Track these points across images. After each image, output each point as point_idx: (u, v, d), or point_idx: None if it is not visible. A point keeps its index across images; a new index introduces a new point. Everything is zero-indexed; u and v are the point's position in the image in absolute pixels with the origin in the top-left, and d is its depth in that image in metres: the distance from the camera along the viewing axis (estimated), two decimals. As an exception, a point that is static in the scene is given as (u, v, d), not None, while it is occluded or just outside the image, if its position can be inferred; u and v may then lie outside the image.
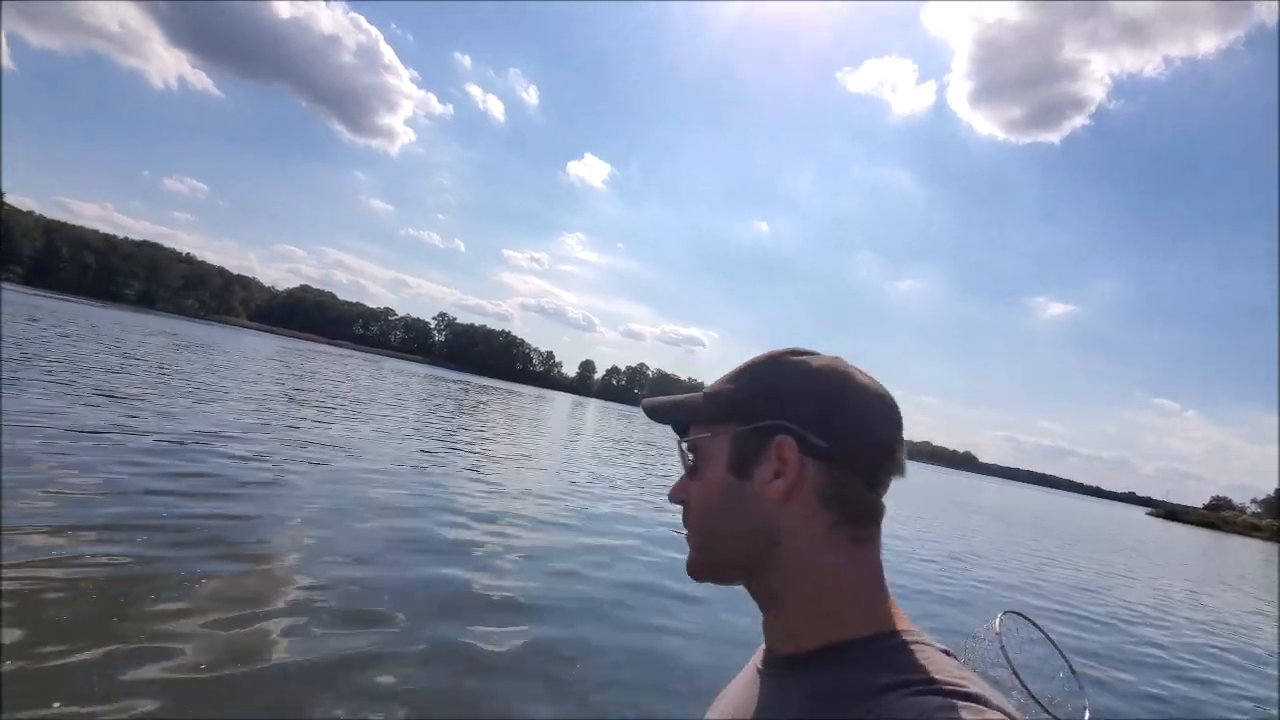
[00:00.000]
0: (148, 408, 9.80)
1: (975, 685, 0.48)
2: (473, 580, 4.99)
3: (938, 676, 0.49)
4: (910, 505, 20.51)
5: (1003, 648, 1.73)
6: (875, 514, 0.60)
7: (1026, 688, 1.70)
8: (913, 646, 0.53)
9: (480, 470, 10.52)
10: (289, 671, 3.15)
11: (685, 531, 0.66)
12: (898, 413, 0.61)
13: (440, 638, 3.84)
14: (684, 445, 0.67)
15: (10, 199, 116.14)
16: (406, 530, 6.03)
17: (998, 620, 1.78)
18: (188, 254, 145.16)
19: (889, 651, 0.53)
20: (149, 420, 8.78)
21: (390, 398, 22.74)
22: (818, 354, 0.64)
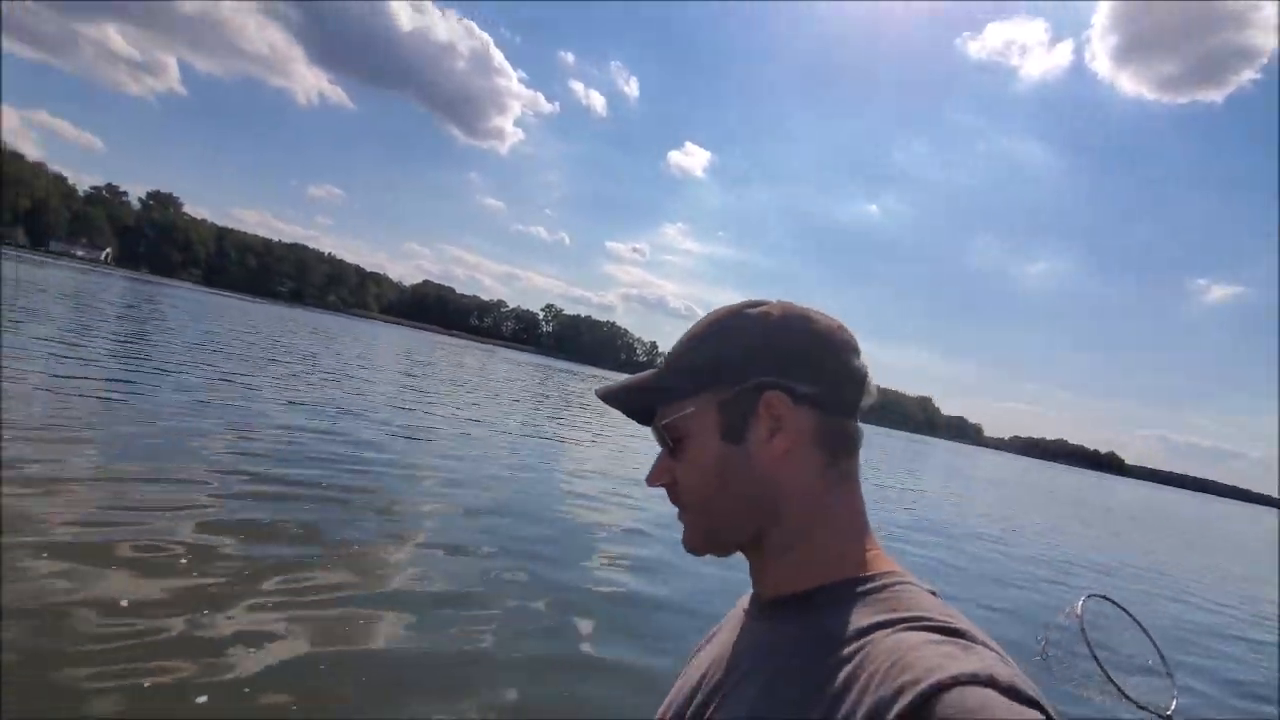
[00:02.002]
0: (338, 393, 11.24)
1: (961, 622, 0.50)
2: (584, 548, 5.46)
3: (925, 614, 0.50)
4: (1046, 510, 19.03)
5: (1083, 630, 1.82)
6: (858, 442, 0.62)
7: (1105, 670, 1.79)
8: (899, 586, 0.55)
9: (589, 454, 11.11)
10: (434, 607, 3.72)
11: (680, 513, 0.65)
12: (856, 340, 0.64)
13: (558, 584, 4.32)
14: (663, 426, 0.64)
15: (188, 209, 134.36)
16: (525, 504, 6.64)
17: (1079, 603, 1.87)
18: (329, 254, 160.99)
19: (877, 592, 0.55)
20: (331, 402, 10.13)
21: (509, 385, 24.21)
22: (769, 303, 0.64)
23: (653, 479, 0.65)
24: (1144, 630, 1.90)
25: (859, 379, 0.62)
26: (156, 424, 6.80)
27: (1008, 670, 0.43)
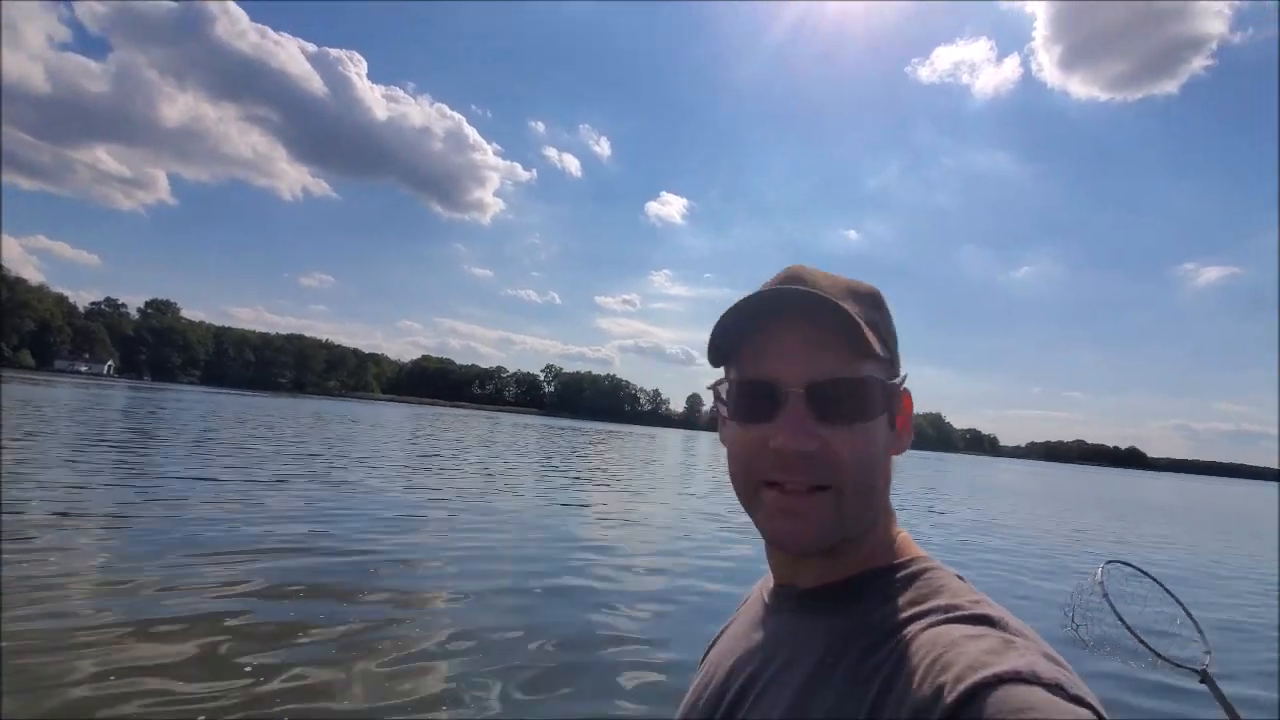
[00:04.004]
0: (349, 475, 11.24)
1: (993, 608, 0.49)
2: (601, 614, 5.36)
3: (955, 602, 0.49)
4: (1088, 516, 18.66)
5: (1105, 595, 1.83)
6: None
7: (1134, 633, 1.79)
8: (930, 574, 0.54)
9: (608, 514, 11.02)
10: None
11: (804, 491, 0.53)
12: None
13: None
14: (858, 382, 0.53)
15: (185, 312, 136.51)
16: (540, 570, 6.56)
17: (1099, 570, 1.89)
18: (326, 340, 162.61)
19: (909, 581, 0.53)
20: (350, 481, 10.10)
21: (517, 451, 24.08)
22: None
23: (801, 438, 0.52)
24: (1166, 590, 1.91)
25: None
26: (174, 520, 6.80)
27: (1051, 666, 0.41)
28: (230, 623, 4.14)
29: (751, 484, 0.55)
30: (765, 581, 0.65)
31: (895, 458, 0.59)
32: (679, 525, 9.96)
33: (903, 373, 0.59)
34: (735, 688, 0.58)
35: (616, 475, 17.69)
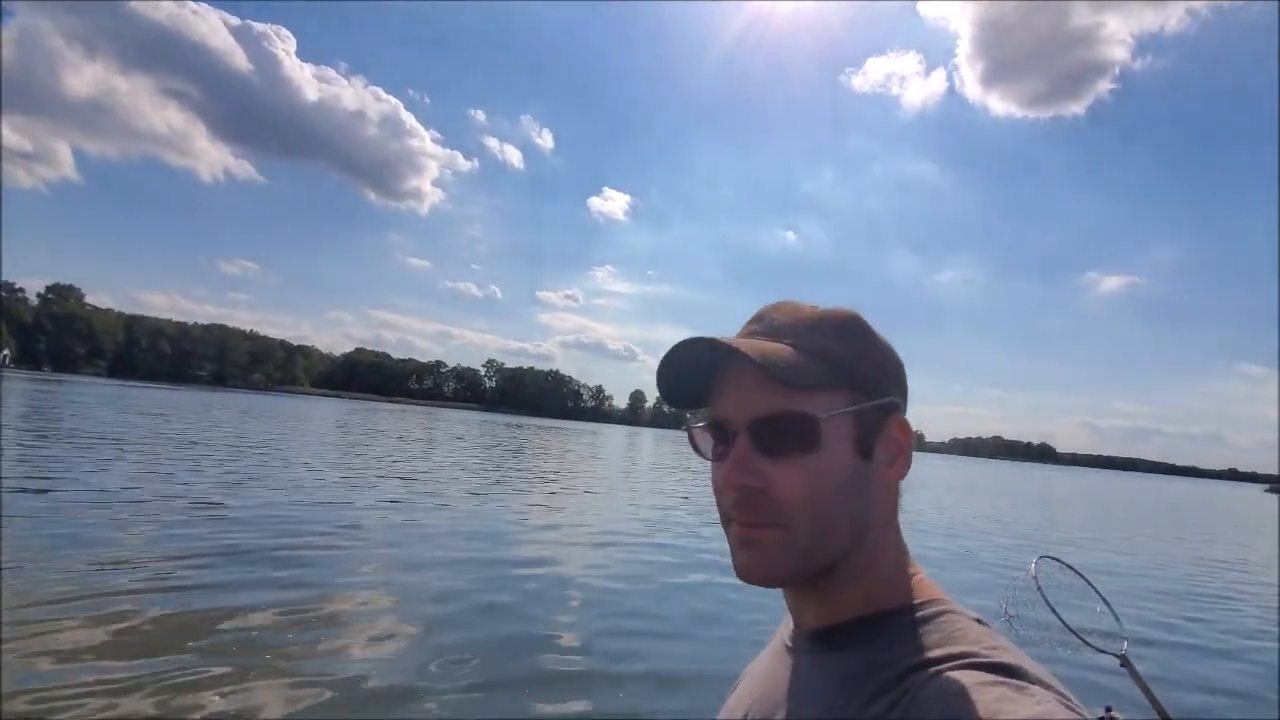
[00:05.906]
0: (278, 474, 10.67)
1: (1011, 655, 0.47)
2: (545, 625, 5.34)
3: (971, 649, 0.47)
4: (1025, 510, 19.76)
5: (1039, 589, 1.99)
6: None
7: (1064, 622, 1.95)
8: (944, 617, 0.52)
9: (548, 511, 10.95)
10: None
11: (753, 529, 0.54)
12: None
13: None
14: (791, 416, 0.53)
15: (90, 298, 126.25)
16: (485, 569, 6.44)
17: (1033, 564, 2.05)
18: (250, 330, 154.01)
19: (923, 624, 0.52)
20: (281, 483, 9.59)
21: (456, 448, 23.56)
22: None
23: (741, 475, 0.53)
24: (1090, 584, 2.09)
25: None
26: (66, 533, 6.31)
27: (1069, 715, 0.40)
28: (141, 621, 3.93)
29: (723, 520, 0.56)
30: (788, 621, 0.64)
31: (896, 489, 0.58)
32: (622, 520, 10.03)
33: (888, 397, 0.56)
34: None
35: (571, 475, 17.61)
